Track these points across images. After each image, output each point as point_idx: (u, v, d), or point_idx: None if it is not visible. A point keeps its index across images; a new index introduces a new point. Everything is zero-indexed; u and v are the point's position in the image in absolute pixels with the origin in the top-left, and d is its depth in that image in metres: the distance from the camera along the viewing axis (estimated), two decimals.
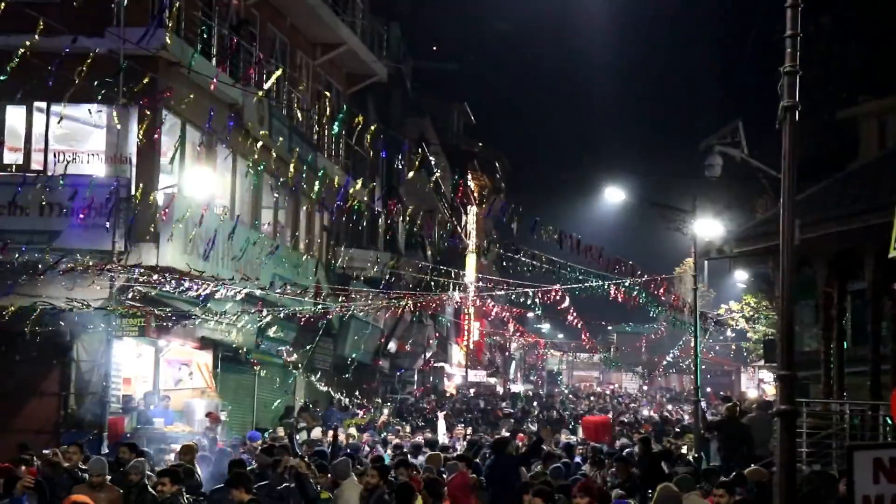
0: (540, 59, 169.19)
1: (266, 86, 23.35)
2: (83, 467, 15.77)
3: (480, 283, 44.85)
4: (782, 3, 11.82)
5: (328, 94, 30.18)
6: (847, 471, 10.13)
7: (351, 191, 23.59)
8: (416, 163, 25.86)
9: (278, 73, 22.99)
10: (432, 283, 35.28)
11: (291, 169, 22.58)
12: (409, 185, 43.28)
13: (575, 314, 32.47)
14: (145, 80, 18.98)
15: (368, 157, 31.32)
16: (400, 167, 35.60)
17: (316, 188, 23.38)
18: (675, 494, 13.59)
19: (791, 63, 11.57)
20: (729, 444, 20.56)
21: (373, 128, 19.84)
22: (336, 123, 29.52)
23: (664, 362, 73.93)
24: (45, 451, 17.59)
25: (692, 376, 34.75)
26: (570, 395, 68.67)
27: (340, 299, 29.91)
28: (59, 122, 20.73)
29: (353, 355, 36.90)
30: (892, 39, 33.42)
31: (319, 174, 24.19)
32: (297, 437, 25.29)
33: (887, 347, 18.50)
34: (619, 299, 30.21)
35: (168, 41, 21.05)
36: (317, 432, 26.82)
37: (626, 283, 30.01)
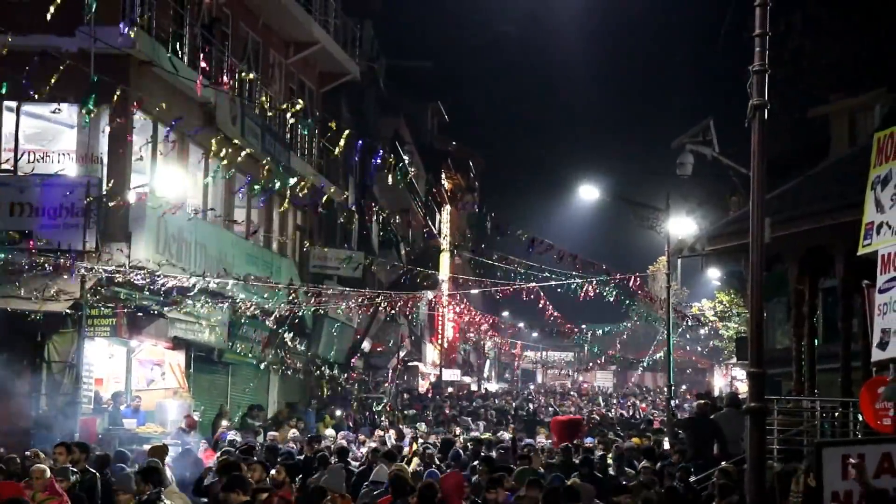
0: (514, 57, 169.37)
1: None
2: (73, 469, 15.71)
3: (454, 283, 44.93)
4: (753, 1, 11.87)
5: (300, 100, 30.05)
6: (816, 467, 10.20)
7: (325, 197, 23.53)
8: (390, 162, 25.88)
9: (251, 75, 22.90)
10: (406, 281, 35.21)
11: (265, 169, 22.53)
12: (383, 184, 43.28)
13: (548, 305, 32.50)
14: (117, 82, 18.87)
15: (340, 159, 31.26)
16: (373, 169, 35.49)
17: (290, 186, 23.34)
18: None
19: (760, 62, 11.62)
20: (697, 442, 20.59)
21: (346, 132, 19.80)
22: (304, 129, 29.51)
23: (642, 364, 74.08)
24: (26, 453, 17.50)
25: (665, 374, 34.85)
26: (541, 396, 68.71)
27: (311, 297, 29.79)
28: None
29: (330, 354, 36.91)
30: (863, 37, 33.61)
31: (290, 182, 24.15)
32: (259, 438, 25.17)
33: (858, 344, 18.56)
34: (591, 295, 30.23)
35: (139, 40, 21.01)
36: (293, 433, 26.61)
37: (601, 279, 30.08)
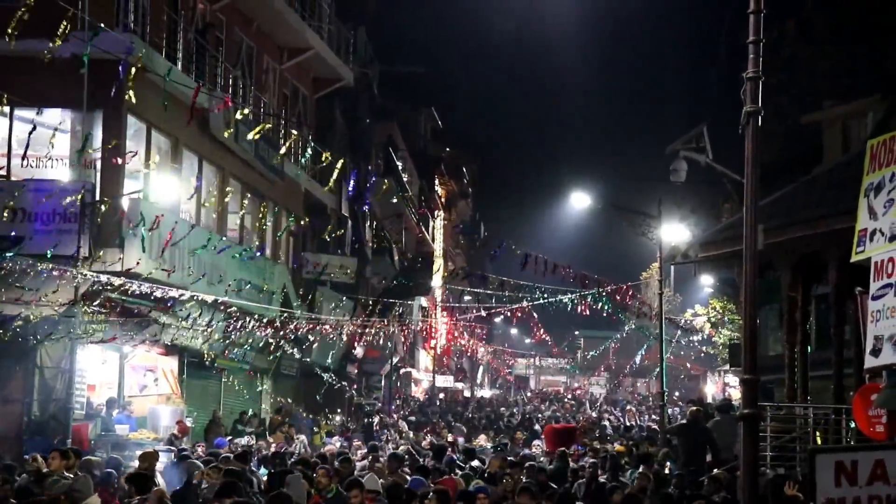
0: (507, 64, 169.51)
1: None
2: (67, 475, 15.64)
3: (447, 294, 44.92)
4: (747, 8, 11.86)
5: (295, 120, 30.11)
6: (809, 474, 10.18)
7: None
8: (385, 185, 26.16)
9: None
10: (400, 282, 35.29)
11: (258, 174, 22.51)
12: (377, 190, 43.23)
13: (540, 327, 32.59)
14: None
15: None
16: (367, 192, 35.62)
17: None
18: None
19: (754, 69, 11.61)
20: (689, 448, 20.58)
21: (340, 162, 19.95)
22: (302, 159, 29.69)
23: (627, 369, 74.10)
24: (25, 457, 17.48)
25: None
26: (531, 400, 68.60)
27: (306, 325, 29.84)
28: (30, 133, 20.34)
29: (324, 360, 36.90)
30: (856, 45, 33.69)
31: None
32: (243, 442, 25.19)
33: (850, 351, 18.57)
34: (585, 312, 30.31)
35: (134, 45, 20.95)
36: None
37: (592, 293, 30.17)
